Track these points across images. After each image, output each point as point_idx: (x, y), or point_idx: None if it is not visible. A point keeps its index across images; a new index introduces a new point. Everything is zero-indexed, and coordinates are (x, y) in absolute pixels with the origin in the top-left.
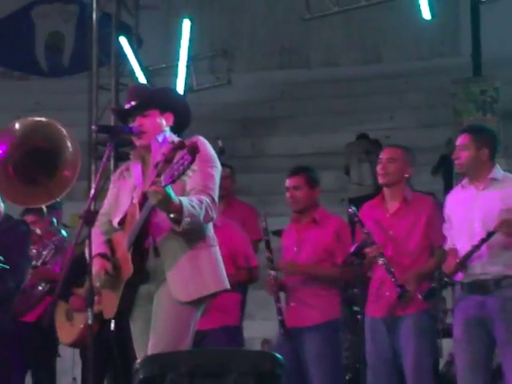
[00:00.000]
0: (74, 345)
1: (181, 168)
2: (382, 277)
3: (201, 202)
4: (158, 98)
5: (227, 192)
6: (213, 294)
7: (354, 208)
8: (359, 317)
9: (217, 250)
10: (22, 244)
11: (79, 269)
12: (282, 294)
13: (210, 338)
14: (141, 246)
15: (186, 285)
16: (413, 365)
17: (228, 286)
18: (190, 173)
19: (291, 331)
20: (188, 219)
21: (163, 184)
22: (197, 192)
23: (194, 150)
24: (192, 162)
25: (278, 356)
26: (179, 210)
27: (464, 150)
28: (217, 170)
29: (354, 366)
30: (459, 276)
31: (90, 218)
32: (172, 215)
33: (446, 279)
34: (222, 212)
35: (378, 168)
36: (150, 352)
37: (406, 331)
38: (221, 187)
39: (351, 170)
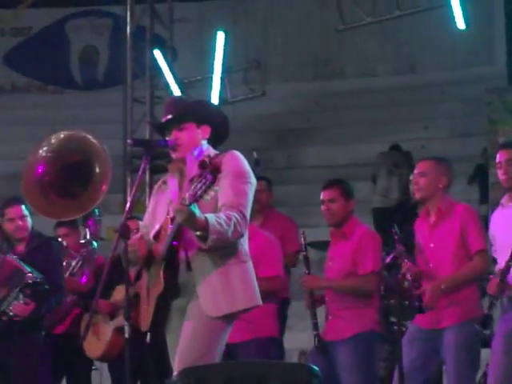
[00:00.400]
0: (101, 359)
1: (203, 187)
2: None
3: (229, 218)
4: (194, 111)
5: (264, 205)
6: (243, 310)
7: (395, 227)
8: (396, 327)
9: (249, 265)
10: (56, 262)
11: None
12: (322, 308)
13: (240, 351)
14: (173, 261)
15: (216, 300)
16: (454, 379)
17: (259, 302)
18: (212, 193)
19: (327, 345)
20: (214, 236)
21: (187, 202)
22: (227, 208)
23: (216, 171)
24: (213, 182)
25: (315, 368)
26: (205, 227)
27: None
28: (250, 186)
29: (390, 376)
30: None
31: (125, 232)
32: (198, 233)
33: (493, 301)
34: (260, 224)
35: (413, 182)
36: (175, 367)
37: (447, 343)
38: (257, 201)
39: (378, 180)
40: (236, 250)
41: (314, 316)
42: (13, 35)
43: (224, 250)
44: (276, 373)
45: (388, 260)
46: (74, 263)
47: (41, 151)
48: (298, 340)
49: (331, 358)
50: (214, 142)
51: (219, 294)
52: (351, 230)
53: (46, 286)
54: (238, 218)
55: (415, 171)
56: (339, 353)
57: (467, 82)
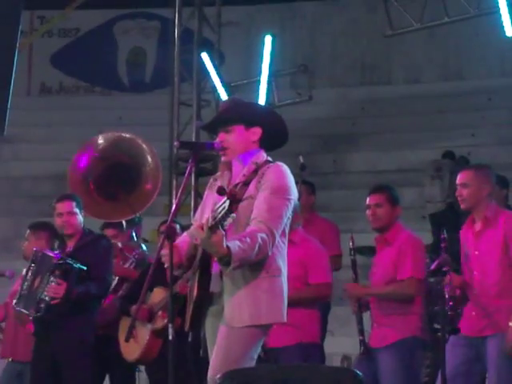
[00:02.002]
0: (139, 361)
1: (220, 215)
2: (471, 298)
3: (253, 241)
4: (242, 113)
5: (303, 208)
6: (266, 325)
7: (445, 233)
8: (439, 334)
9: (280, 280)
10: (105, 258)
11: (141, 285)
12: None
13: (284, 355)
14: (207, 269)
15: (240, 312)
16: None
17: (283, 319)
18: (230, 219)
19: (371, 352)
20: (237, 264)
21: (209, 225)
22: (257, 223)
23: (233, 199)
24: (230, 210)
25: (358, 372)
26: (227, 255)
27: None
28: (287, 202)
29: (434, 383)
30: None
31: (171, 233)
32: (220, 258)
33: None
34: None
35: (456, 194)
36: (209, 373)
37: (490, 352)
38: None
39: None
40: (268, 265)
41: (360, 321)
42: (60, 36)
43: (255, 264)
44: (320, 376)
45: (433, 267)
46: (126, 265)
47: (87, 151)
48: (340, 345)
49: (375, 365)
50: (270, 145)
51: (243, 306)
52: (394, 236)
53: (77, 267)
54: (265, 236)
55: (458, 182)
56: (380, 360)
57: None
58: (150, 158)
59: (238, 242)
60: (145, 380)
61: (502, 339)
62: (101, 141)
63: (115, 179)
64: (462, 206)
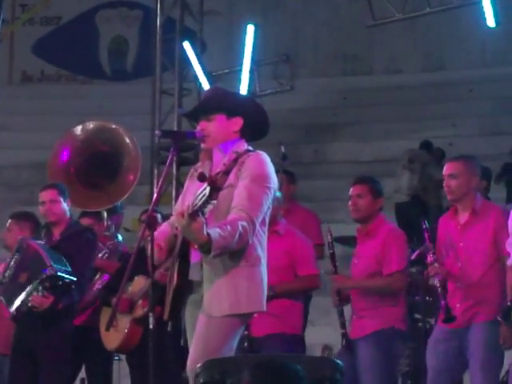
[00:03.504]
0: (119, 350)
1: (200, 202)
2: (452, 289)
3: (234, 229)
4: (224, 102)
5: (284, 198)
6: (246, 314)
7: (426, 223)
8: (420, 324)
9: (260, 269)
10: (87, 253)
11: (122, 274)
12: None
13: (266, 344)
14: (187, 258)
15: (220, 301)
16: (479, 379)
17: (263, 308)
18: (210, 206)
19: (352, 343)
20: (217, 252)
21: (189, 212)
22: (237, 211)
23: (214, 186)
24: (210, 197)
25: (339, 362)
26: (207, 243)
27: None
28: (267, 191)
29: (414, 373)
30: None
31: (151, 222)
32: (197, 247)
33: None
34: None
35: (444, 184)
36: (188, 362)
37: (474, 342)
38: None
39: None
40: (247, 254)
41: (342, 314)
42: (42, 24)
43: (235, 253)
44: (301, 366)
45: (413, 257)
46: (100, 255)
47: (68, 140)
48: (320, 335)
49: (355, 357)
50: (251, 135)
51: (223, 295)
52: (376, 228)
53: (67, 280)
54: (245, 224)
55: (445, 172)
56: (359, 348)
57: (496, 81)
58: (130, 149)
59: (218, 230)
60: (125, 369)
61: (485, 329)
62: (82, 130)
63: (95, 168)
64: (449, 198)
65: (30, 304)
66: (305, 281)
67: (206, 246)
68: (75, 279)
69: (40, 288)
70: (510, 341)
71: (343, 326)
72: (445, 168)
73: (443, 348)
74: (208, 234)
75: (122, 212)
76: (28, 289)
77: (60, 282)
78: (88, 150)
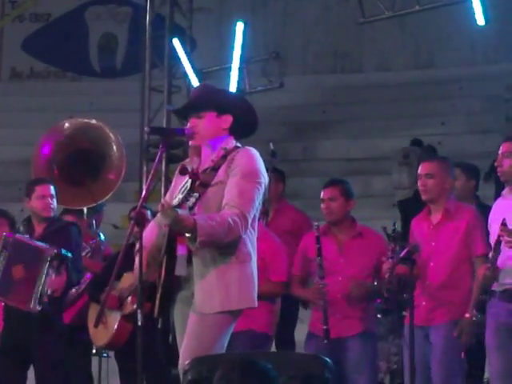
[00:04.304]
0: (108, 346)
1: (183, 194)
2: (421, 288)
3: (223, 220)
4: (214, 99)
5: (272, 196)
6: (237, 311)
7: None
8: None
9: (250, 265)
10: (74, 246)
11: (110, 271)
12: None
13: (235, 341)
14: (174, 253)
15: (210, 297)
16: (441, 377)
17: (254, 304)
18: (192, 199)
19: (333, 342)
20: (202, 238)
21: (173, 204)
22: (229, 207)
23: (195, 178)
24: (191, 189)
25: (327, 360)
26: (194, 228)
27: (507, 157)
28: (258, 186)
29: (402, 371)
30: (494, 285)
31: (140, 219)
32: (188, 234)
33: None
34: (271, 217)
35: (419, 184)
36: (180, 360)
37: (436, 341)
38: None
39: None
40: (238, 249)
41: (326, 311)
42: (32, 21)
43: (225, 248)
44: (289, 363)
45: (402, 254)
46: (83, 254)
47: (52, 135)
48: None
49: (337, 354)
50: (241, 132)
51: (214, 292)
52: (365, 232)
53: (69, 255)
54: (237, 218)
55: (421, 172)
56: (350, 347)
57: (485, 79)
58: (115, 147)
59: (205, 217)
60: (114, 366)
61: (446, 331)
62: (66, 126)
63: (79, 166)
64: (425, 197)
65: (49, 291)
66: (273, 286)
67: (194, 234)
68: (70, 255)
69: (50, 271)
70: (466, 337)
71: (326, 322)
72: (420, 168)
73: (420, 346)
74: (194, 219)
75: (102, 211)
76: (39, 280)
77: (65, 258)
78: (71, 146)
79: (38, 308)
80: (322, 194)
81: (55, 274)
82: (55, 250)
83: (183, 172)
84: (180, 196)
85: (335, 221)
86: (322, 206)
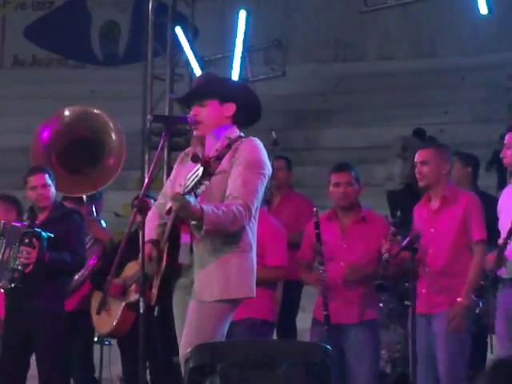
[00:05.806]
0: (111, 334)
1: (193, 182)
2: (421, 275)
3: (229, 209)
4: (217, 87)
5: (282, 184)
6: (236, 300)
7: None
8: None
9: (251, 256)
10: (77, 232)
11: (113, 259)
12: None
13: (235, 330)
14: (177, 241)
15: (210, 285)
16: (446, 365)
17: (253, 294)
18: (203, 187)
19: (334, 327)
20: (208, 227)
21: (182, 192)
22: (233, 198)
23: (207, 166)
24: (203, 177)
25: (328, 347)
26: (200, 217)
27: (511, 148)
28: (262, 177)
29: (405, 359)
30: (502, 271)
31: (143, 207)
32: (193, 222)
33: (490, 274)
34: (278, 204)
35: (416, 171)
36: (180, 348)
37: (439, 329)
38: (274, 178)
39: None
40: (239, 239)
41: (326, 296)
42: (34, 9)
43: (227, 237)
44: (290, 351)
45: (404, 243)
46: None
47: (51, 122)
48: (311, 321)
49: (338, 340)
50: (244, 121)
51: (214, 280)
52: (370, 216)
53: (44, 233)
54: (242, 209)
55: (417, 160)
56: (355, 334)
57: (488, 68)
58: (114, 135)
59: (212, 206)
60: (116, 353)
61: (447, 319)
62: (66, 114)
63: (78, 153)
64: (421, 184)
65: (19, 267)
66: (271, 271)
67: (200, 223)
68: (51, 235)
69: (21, 248)
70: (458, 322)
71: (326, 307)
72: (416, 156)
73: (423, 335)
74: (201, 207)
75: (102, 198)
76: (11, 256)
77: (38, 235)
78: (70, 134)
79: (9, 285)
80: (334, 178)
81: (25, 251)
82: (26, 226)
83: (195, 159)
84: (190, 183)
85: (349, 205)
86: (337, 189)
